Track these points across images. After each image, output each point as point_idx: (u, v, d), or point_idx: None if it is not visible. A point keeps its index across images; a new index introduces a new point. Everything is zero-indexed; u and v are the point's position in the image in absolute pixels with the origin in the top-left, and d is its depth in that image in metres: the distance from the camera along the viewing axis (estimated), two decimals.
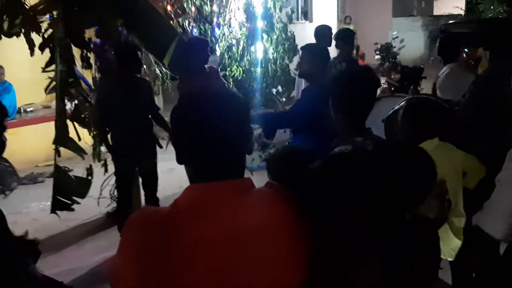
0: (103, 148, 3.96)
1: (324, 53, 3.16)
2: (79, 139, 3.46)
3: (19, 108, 6.20)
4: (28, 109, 6.24)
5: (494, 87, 2.67)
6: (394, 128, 2.31)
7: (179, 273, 0.94)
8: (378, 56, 8.30)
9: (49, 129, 3.19)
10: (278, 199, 1.07)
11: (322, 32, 4.92)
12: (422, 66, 7.22)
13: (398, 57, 8.24)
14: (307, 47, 3.14)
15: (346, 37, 4.88)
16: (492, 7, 11.57)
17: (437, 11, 17.67)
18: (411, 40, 11.74)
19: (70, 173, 3.42)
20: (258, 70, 5.57)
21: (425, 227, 1.62)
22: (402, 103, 2.37)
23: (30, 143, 5.91)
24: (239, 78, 5.78)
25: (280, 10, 5.39)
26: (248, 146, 1.09)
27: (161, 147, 3.95)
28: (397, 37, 10.06)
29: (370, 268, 1.11)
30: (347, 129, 1.87)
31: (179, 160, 1.07)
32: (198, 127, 1.01)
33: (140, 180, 4.00)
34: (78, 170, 3.69)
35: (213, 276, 0.95)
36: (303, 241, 1.04)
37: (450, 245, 2.15)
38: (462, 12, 14.52)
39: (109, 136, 3.73)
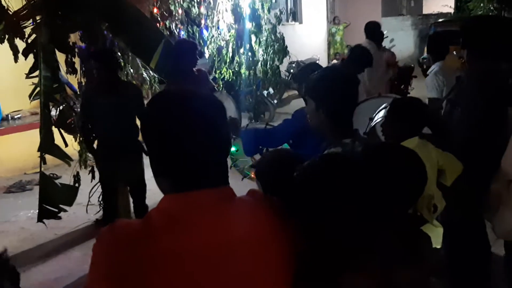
0: (90, 155, 3.89)
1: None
2: (66, 145, 3.39)
3: (7, 115, 6.10)
4: (16, 116, 6.15)
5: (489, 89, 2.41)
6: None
7: None
8: None
9: (37, 136, 3.12)
10: (260, 208, 1.03)
11: (371, 28, 5.32)
12: (412, 65, 7.23)
13: None
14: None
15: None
16: (481, 5, 11.57)
17: (426, 10, 17.75)
18: (401, 40, 11.73)
19: (59, 180, 3.35)
20: (248, 72, 5.51)
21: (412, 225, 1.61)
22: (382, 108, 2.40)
23: (19, 151, 5.82)
24: (229, 81, 5.72)
25: (269, 11, 5.34)
26: (225, 151, 1.03)
27: (147, 154, 3.87)
28: (387, 37, 10.00)
29: (362, 273, 1.08)
30: (334, 133, 1.85)
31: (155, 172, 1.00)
32: (168, 133, 0.95)
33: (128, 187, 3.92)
34: (66, 177, 3.62)
35: None
36: (287, 250, 1.00)
37: (433, 234, 2.17)
38: (452, 11, 14.59)
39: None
